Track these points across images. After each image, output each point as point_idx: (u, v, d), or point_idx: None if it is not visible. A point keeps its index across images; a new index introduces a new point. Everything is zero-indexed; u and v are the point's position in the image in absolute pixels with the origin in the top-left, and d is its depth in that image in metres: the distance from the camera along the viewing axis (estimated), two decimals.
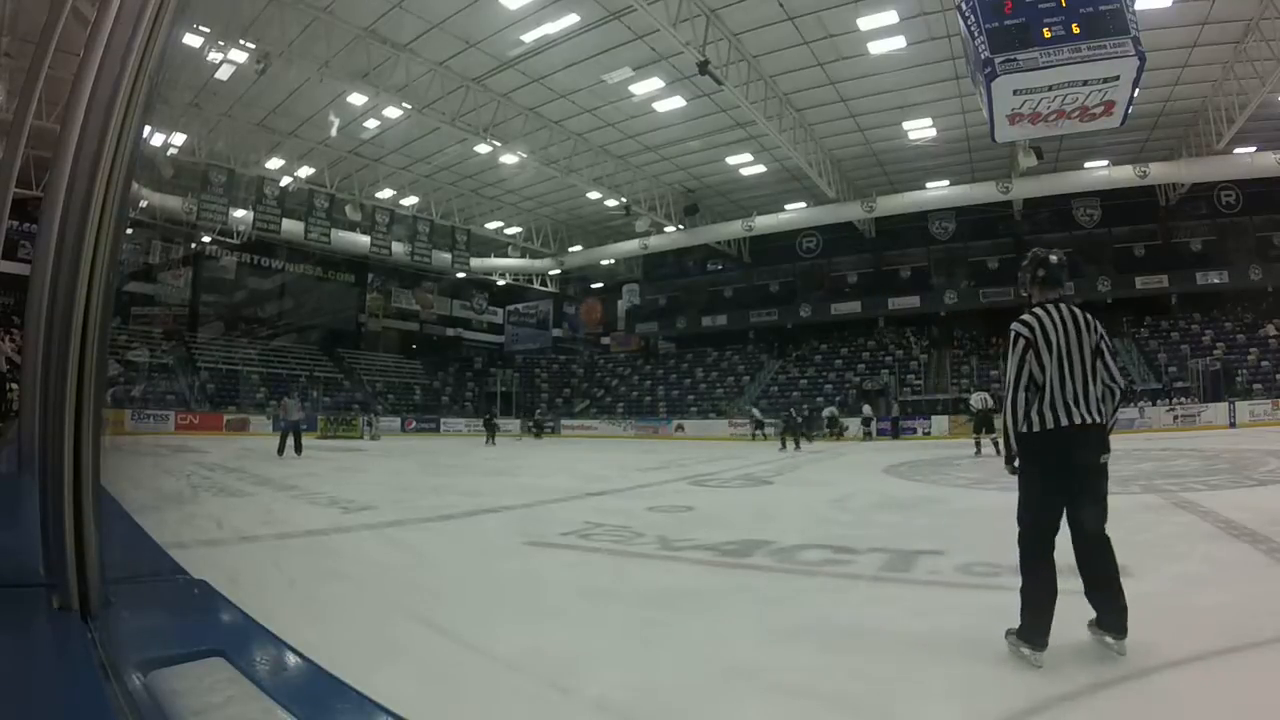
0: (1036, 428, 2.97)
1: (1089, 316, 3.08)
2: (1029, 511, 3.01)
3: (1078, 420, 2.92)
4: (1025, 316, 3.11)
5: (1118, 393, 3.04)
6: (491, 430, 26.82)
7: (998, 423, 10.47)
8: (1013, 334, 3.10)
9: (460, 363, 43.38)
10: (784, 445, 21.29)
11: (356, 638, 3.22)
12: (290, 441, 15.06)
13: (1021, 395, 3.01)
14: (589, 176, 27.37)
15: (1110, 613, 2.84)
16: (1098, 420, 2.96)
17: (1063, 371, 2.96)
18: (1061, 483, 2.95)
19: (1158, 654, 2.82)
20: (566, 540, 5.97)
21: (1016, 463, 3.11)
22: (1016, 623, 2.90)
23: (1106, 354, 3.05)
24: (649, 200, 29.91)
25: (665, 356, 42.24)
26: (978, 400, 15.73)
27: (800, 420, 23.80)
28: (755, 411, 28.50)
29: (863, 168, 28.62)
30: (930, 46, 19.25)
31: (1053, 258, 3.21)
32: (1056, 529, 2.95)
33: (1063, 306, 3.08)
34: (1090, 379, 2.98)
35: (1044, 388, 2.96)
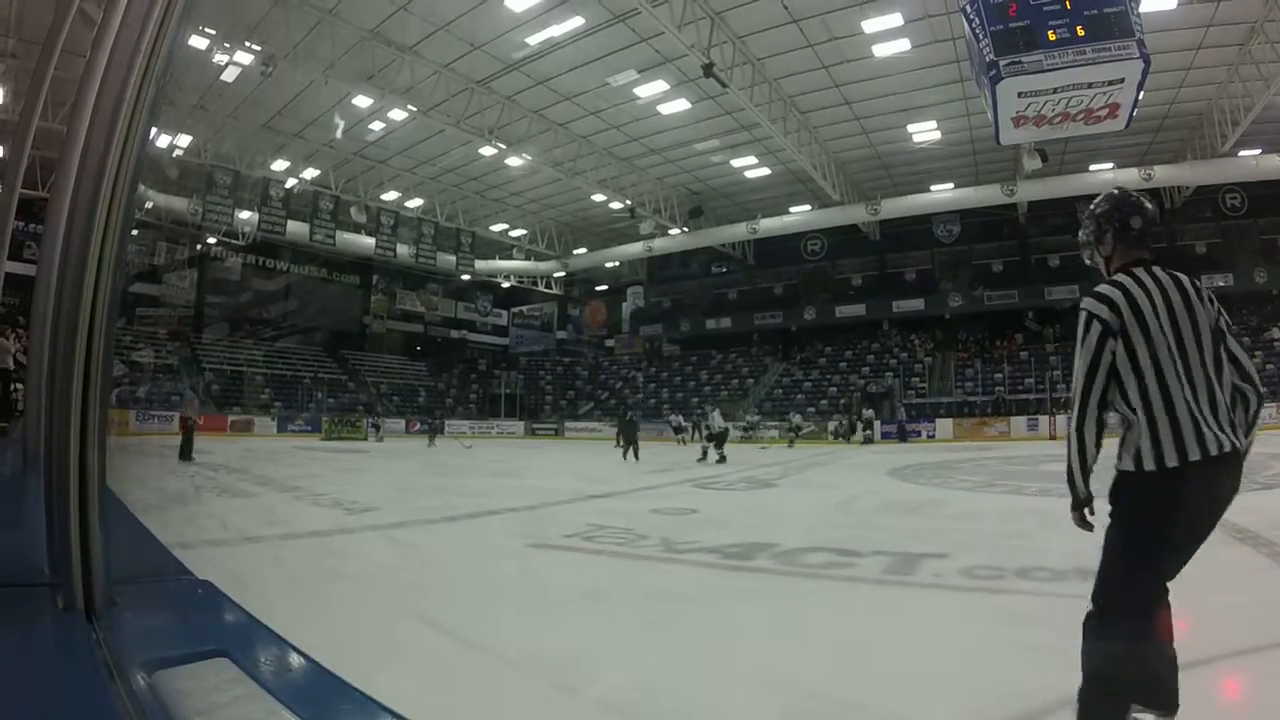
0: (1151, 464, 1.96)
1: (1199, 283, 2.12)
2: (1132, 598, 2.05)
3: (1227, 446, 1.95)
4: (1102, 288, 2.10)
5: (1254, 398, 2.07)
6: (435, 431, 27.40)
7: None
8: (1084, 316, 2.07)
9: (464, 365, 43.42)
10: (625, 453, 18.44)
11: (360, 638, 3.22)
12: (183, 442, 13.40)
13: (1093, 416, 2.04)
14: (594, 179, 27.36)
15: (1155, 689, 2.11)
16: (1235, 444, 1.98)
17: (1178, 370, 1.98)
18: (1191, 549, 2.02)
19: None
20: (570, 542, 5.98)
21: (1089, 511, 2.12)
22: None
23: (1230, 338, 2.08)
24: (653, 203, 29.89)
25: (669, 359, 42.23)
26: (720, 418, 17.34)
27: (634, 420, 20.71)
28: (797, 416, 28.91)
29: (867, 170, 28.58)
30: (934, 49, 19.21)
31: (1145, 200, 2.23)
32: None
33: (1158, 271, 2.11)
34: (1217, 380, 2.02)
35: (1162, 396, 1.97)
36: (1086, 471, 2.07)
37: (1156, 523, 1.98)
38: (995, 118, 9.45)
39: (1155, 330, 2.00)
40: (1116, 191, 2.28)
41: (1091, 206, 2.31)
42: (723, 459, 16.50)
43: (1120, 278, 2.12)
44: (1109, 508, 2.09)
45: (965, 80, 19.25)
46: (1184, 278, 2.10)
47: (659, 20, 16.34)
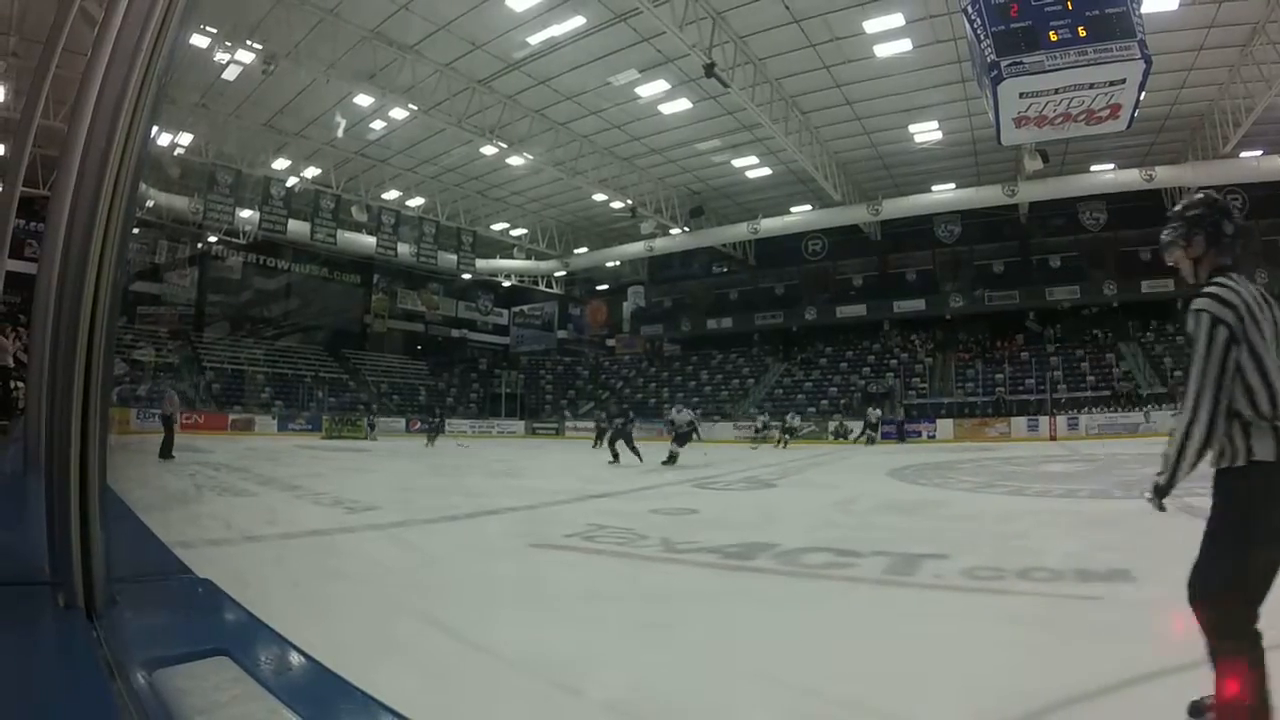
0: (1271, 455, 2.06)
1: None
2: (1243, 582, 2.16)
3: None
4: (1218, 291, 2.17)
5: None
6: (435, 430, 26.77)
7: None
8: (1208, 319, 2.15)
9: (465, 364, 43.42)
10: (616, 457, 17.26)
11: (360, 637, 3.22)
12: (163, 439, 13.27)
13: (1220, 420, 2.11)
14: (595, 178, 27.34)
15: None
16: None
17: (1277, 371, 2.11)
18: None
19: (1162, 659, 2.81)
20: (570, 542, 5.97)
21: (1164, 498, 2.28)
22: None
23: None
24: (654, 202, 29.88)
25: (670, 359, 42.24)
26: (687, 415, 17.03)
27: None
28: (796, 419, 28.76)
29: (868, 170, 28.57)
30: (936, 49, 19.20)
31: (1233, 206, 2.30)
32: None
33: (1242, 279, 2.21)
34: None
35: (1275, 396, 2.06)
36: (1188, 471, 2.17)
37: (1259, 515, 2.08)
38: (996, 118, 9.45)
39: (1270, 334, 2.10)
40: (1205, 195, 2.31)
41: (1179, 208, 2.33)
42: (674, 456, 15.73)
43: (1227, 282, 2.16)
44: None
45: (967, 81, 19.23)
46: (1255, 283, 2.19)
47: (660, 20, 16.34)
